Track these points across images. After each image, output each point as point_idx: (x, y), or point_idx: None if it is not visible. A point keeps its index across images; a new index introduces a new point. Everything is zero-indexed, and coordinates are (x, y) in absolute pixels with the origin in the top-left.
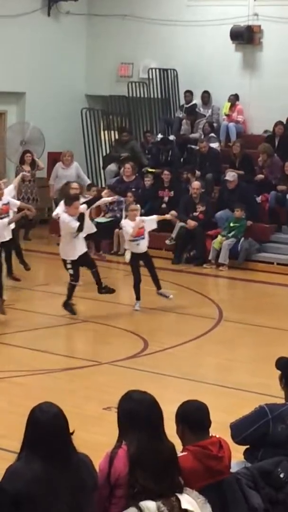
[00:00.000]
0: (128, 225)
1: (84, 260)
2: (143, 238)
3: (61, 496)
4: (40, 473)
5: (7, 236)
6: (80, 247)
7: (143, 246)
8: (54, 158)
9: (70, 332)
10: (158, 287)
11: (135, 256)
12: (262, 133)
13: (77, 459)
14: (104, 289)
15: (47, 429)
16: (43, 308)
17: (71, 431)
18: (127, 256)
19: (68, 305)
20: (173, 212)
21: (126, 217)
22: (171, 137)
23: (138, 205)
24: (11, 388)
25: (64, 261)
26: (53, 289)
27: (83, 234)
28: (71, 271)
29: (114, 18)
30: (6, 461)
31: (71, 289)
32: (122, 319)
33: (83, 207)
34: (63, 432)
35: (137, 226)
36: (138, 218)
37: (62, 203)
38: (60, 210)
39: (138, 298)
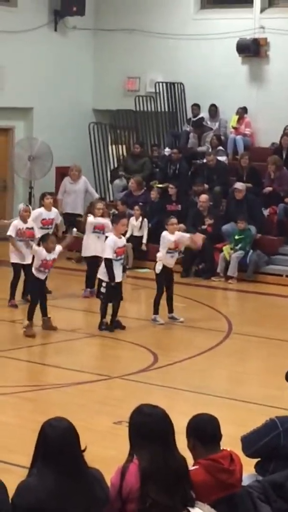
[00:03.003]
0: (168, 236)
1: (118, 288)
2: (177, 252)
3: (73, 510)
4: (52, 488)
5: (28, 260)
6: (117, 274)
7: (174, 260)
8: (62, 173)
9: (80, 347)
10: (171, 309)
11: (163, 270)
12: (269, 146)
13: (88, 474)
14: (115, 324)
15: (57, 444)
16: (52, 322)
17: (82, 447)
18: (159, 267)
19: (102, 324)
20: (181, 225)
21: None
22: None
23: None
24: (22, 403)
25: (100, 280)
26: (61, 304)
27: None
28: (103, 290)
29: (121, 32)
30: (18, 476)
31: (104, 308)
32: (131, 333)
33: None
34: (74, 447)
35: (177, 239)
36: (177, 232)
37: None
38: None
39: (156, 312)
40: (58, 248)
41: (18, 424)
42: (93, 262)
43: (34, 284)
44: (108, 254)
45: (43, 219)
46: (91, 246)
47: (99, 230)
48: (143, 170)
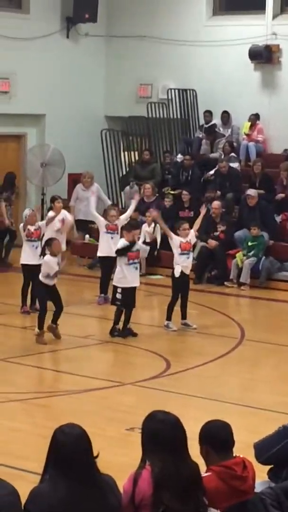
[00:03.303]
0: (177, 239)
1: (133, 294)
2: (192, 251)
3: None
4: (64, 495)
5: (35, 261)
6: (131, 278)
7: (189, 263)
8: (74, 180)
9: (92, 353)
10: (184, 316)
11: (181, 276)
12: (281, 152)
13: (101, 480)
14: (126, 331)
15: (70, 450)
16: (64, 329)
17: (95, 453)
18: (178, 271)
19: (114, 330)
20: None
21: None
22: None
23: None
24: (34, 410)
25: (115, 287)
26: (74, 310)
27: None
28: (119, 296)
29: (133, 39)
30: (30, 483)
31: (118, 314)
32: (144, 339)
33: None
34: (86, 453)
35: (187, 241)
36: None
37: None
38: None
39: (169, 318)
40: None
41: (30, 430)
42: (107, 264)
43: (41, 291)
44: (119, 246)
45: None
46: (105, 246)
47: (112, 230)
48: (154, 176)
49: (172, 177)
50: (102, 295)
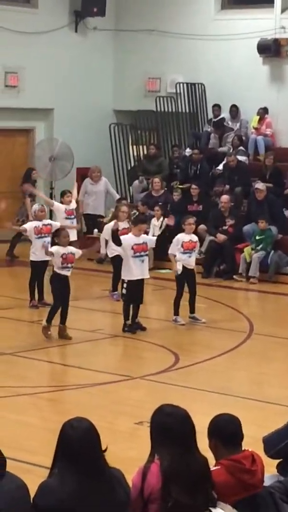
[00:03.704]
0: (180, 239)
1: (139, 286)
2: (195, 251)
3: (94, 511)
4: (73, 489)
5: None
6: (136, 271)
7: (193, 260)
8: (82, 174)
9: (101, 347)
10: (193, 310)
11: (184, 271)
12: None
13: (109, 474)
14: (135, 325)
15: (78, 444)
16: (72, 323)
17: (103, 447)
18: (179, 267)
19: (125, 326)
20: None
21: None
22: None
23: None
24: (43, 404)
25: (122, 280)
26: (82, 305)
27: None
28: (124, 291)
29: (141, 33)
30: (39, 477)
31: (126, 309)
32: (152, 333)
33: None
34: (95, 447)
35: (190, 240)
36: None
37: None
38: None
39: (177, 313)
40: (78, 252)
41: (39, 424)
42: (118, 262)
43: (56, 285)
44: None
45: (65, 209)
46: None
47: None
48: (162, 170)
49: (180, 171)
50: (116, 292)
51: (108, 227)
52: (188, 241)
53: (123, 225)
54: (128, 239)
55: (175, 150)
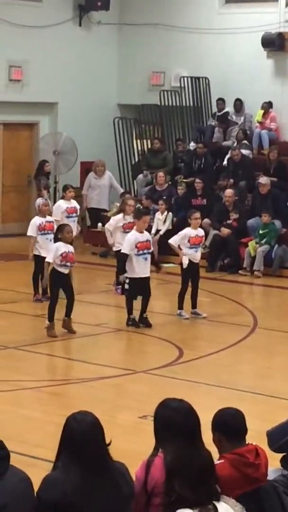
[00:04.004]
0: (187, 232)
1: (143, 284)
2: (201, 246)
3: (98, 505)
4: (77, 482)
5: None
6: (138, 269)
7: (199, 254)
8: (86, 168)
9: (104, 341)
10: (194, 305)
11: (190, 265)
12: None
13: (113, 467)
14: (142, 321)
15: (82, 437)
16: (76, 317)
17: (107, 441)
18: (185, 261)
19: (129, 320)
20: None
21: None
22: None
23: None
24: (47, 398)
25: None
26: (86, 299)
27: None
28: (126, 286)
29: (145, 27)
30: (43, 470)
31: (129, 304)
32: (156, 327)
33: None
34: (99, 441)
35: (197, 236)
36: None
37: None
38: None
39: (181, 307)
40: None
41: (43, 418)
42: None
43: (55, 281)
44: (125, 250)
45: (66, 208)
46: (120, 240)
47: (130, 229)
48: (166, 164)
49: (184, 165)
50: (120, 286)
51: (115, 219)
52: (195, 236)
53: (129, 218)
54: (132, 238)
55: (179, 144)
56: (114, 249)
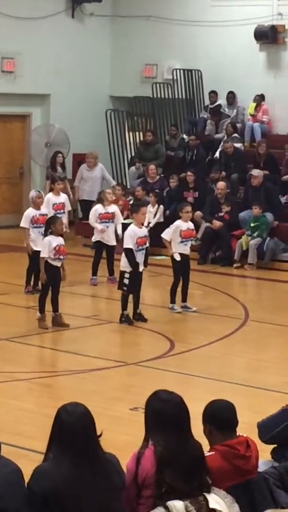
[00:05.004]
0: (179, 225)
1: (138, 279)
2: (192, 240)
3: (89, 496)
4: (68, 473)
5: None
6: (139, 262)
7: (188, 247)
8: (78, 160)
9: (96, 333)
10: (185, 299)
11: (183, 258)
12: (287, 133)
13: (104, 459)
14: (137, 316)
15: (73, 429)
16: (68, 309)
17: (99, 432)
18: (177, 257)
19: (123, 316)
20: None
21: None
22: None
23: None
24: (39, 389)
25: (122, 272)
26: (78, 290)
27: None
28: (126, 281)
29: (138, 19)
30: (34, 462)
31: (124, 299)
32: (148, 320)
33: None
34: (90, 432)
35: (188, 228)
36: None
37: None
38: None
39: (174, 301)
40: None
41: (35, 410)
42: (99, 249)
43: (48, 274)
44: (128, 244)
45: (53, 204)
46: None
47: (108, 219)
48: (158, 157)
49: (176, 156)
50: (113, 276)
51: (93, 210)
52: (186, 229)
53: (110, 209)
54: (132, 233)
55: (172, 130)
56: (92, 239)
